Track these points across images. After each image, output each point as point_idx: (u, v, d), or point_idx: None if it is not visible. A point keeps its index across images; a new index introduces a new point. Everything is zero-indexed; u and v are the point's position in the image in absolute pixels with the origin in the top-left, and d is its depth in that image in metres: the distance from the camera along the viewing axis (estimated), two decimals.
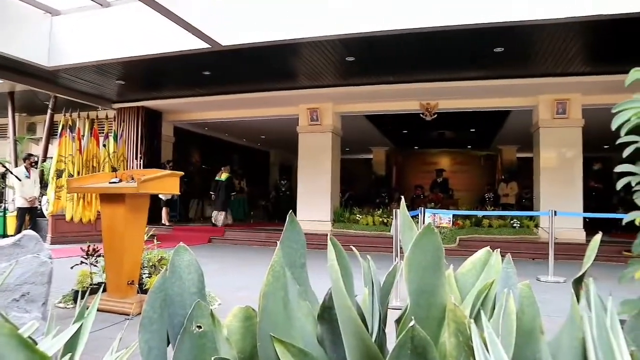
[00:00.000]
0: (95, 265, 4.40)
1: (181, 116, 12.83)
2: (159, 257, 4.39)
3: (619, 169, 1.15)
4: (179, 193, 4.44)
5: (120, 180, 4.16)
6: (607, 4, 6.05)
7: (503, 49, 7.62)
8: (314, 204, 11.22)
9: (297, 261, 1.20)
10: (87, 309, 1.05)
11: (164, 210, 11.90)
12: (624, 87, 1.30)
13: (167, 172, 4.21)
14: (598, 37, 7.10)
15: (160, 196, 11.59)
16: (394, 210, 4.68)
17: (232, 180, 12.96)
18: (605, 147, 14.91)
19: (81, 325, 0.98)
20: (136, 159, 11.73)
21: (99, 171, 9.34)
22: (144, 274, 4.35)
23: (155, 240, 4.71)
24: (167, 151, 12.93)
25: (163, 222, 11.79)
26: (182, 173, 4.36)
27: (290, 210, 1.35)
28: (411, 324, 0.81)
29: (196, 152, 16.02)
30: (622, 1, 5.99)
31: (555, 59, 8.08)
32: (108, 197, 4.00)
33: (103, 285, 4.08)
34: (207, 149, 16.23)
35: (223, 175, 12.63)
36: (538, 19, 6.40)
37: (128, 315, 3.73)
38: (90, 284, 4.27)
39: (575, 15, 6.25)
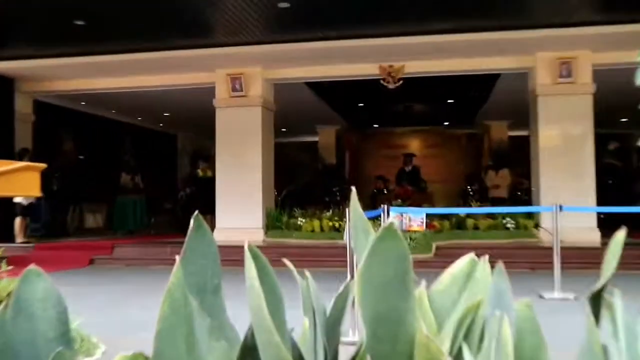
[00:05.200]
0: None
1: (45, 85, 12.44)
2: (9, 290, 4.18)
3: None
4: (41, 195, 4.25)
5: None
6: None
7: None
8: (240, 205, 11.15)
9: (208, 284, 1.16)
10: None
11: (17, 221, 11.42)
12: None
13: (22, 164, 4.02)
14: None
15: (17, 200, 11.11)
16: (347, 210, 4.71)
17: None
18: (623, 120, 15.74)
19: None
20: None
21: None
22: None
23: (3, 265, 4.48)
24: (24, 136, 12.47)
25: (17, 238, 11.33)
26: (44, 165, 4.17)
27: (197, 212, 1.28)
28: None
29: (69, 137, 15.48)
30: None
31: (557, 3, 8.39)
32: None
33: None
34: (85, 132, 15.83)
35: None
36: None
37: None
38: None
39: None
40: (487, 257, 1.10)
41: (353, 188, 1.22)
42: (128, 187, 14.38)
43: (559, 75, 10.28)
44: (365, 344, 0.97)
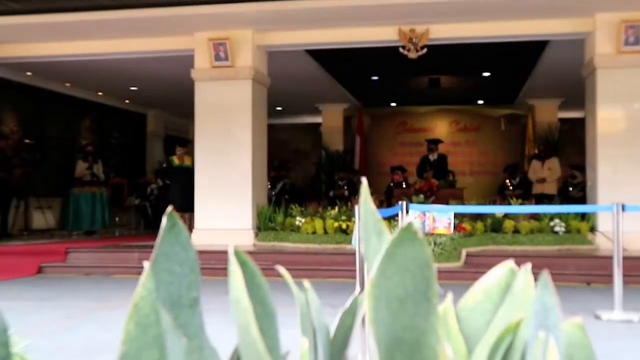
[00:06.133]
0: None
1: None
2: None
3: None
4: None
5: None
6: None
7: None
8: (224, 201, 11.19)
9: (184, 296, 1.16)
10: None
11: None
12: None
13: None
14: None
15: None
16: (357, 207, 4.71)
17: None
18: None
19: None
20: None
21: None
22: None
23: None
24: None
25: None
26: None
27: (170, 208, 1.28)
28: None
29: (11, 116, 15.47)
30: None
31: None
32: None
33: None
34: (32, 110, 15.83)
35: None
36: None
37: None
38: None
39: None
40: (529, 266, 1.09)
41: (364, 180, 1.21)
42: (85, 179, 14.40)
43: (624, 42, 10.18)
44: None
